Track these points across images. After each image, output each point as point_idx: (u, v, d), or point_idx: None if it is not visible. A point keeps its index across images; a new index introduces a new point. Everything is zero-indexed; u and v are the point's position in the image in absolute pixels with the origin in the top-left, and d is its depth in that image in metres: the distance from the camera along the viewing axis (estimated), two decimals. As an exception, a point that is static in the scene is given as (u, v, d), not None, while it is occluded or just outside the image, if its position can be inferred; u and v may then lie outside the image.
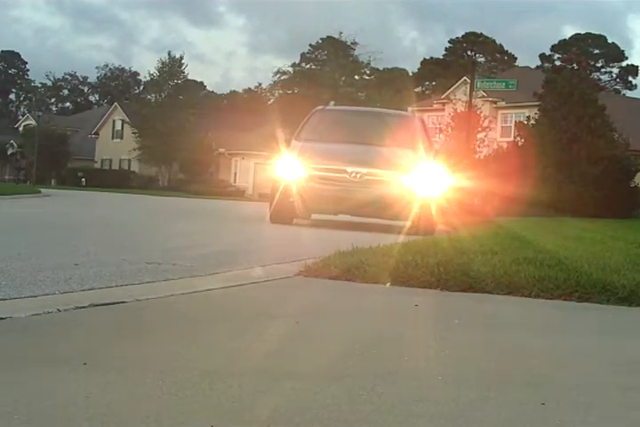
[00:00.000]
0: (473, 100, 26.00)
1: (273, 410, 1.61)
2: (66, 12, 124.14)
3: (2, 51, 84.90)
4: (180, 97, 47.70)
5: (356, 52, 62.87)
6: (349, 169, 9.01)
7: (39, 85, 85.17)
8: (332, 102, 11.70)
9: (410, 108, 11.16)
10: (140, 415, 1.52)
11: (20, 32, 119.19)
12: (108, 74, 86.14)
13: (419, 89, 67.35)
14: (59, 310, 2.56)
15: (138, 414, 1.52)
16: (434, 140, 11.89)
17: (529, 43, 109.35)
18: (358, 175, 8.97)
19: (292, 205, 9.12)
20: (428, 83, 72.95)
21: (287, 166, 9.30)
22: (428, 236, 7.27)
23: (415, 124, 10.44)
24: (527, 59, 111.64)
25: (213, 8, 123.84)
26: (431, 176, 9.13)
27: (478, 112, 30.24)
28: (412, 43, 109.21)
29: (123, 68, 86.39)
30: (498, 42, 73.24)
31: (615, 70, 72.44)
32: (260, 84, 75.55)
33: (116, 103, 57.10)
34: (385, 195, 8.94)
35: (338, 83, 59.08)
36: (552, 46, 69.86)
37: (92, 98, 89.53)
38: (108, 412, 1.53)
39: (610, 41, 70.90)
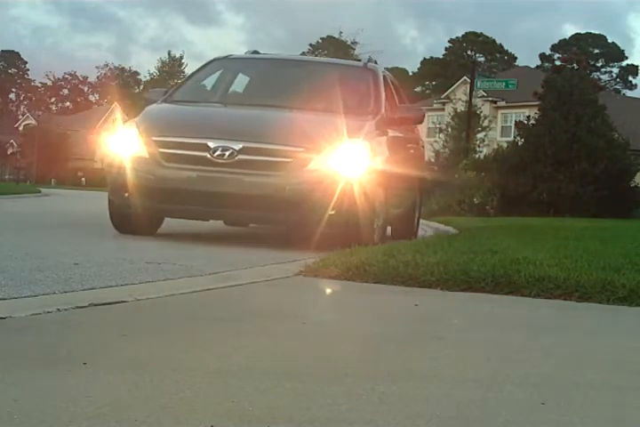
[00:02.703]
0: (473, 100, 26.04)
1: (273, 410, 1.61)
2: (63, 11, 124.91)
3: (2, 50, 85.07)
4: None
5: (356, 52, 62.81)
6: (212, 144, 5.49)
7: (39, 85, 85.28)
8: (249, 50, 7.94)
9: (367, 57, 7.61)
10: (141, 415, 1.52)
11: (20, 31, 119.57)
12: (108, 73, 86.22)
13: (419, 89, 67.41)
14: (59, 309, 2.56)
15: (138, 414, 1.52)
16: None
17: (529, 42, 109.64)
18: (227, 153, 5.44)
19: (130, 202, 5.69)
20: (427, 82, 73.09)
21: (122, 140, 5.87)
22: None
23: (364, 80, 6.90)
24: (527, 58, 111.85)
25: (212, 6, 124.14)
26: (365, 157, 5.65)
27: (478, 112, 30.26)
28: (412, 42, 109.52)
29: (122, 68, 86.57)
30: (498, 42, 73.46)
31: (615, 70, 72.58)
32: (259, 84, 75.40)
33: (115, 103, 57.15)
34: (278, 187, 5.46)
35: (338, 82, 58.95)
36: (552, 46, 70.15)
37: (91, 98, 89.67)
38: (108, 412, 1.53)
39: (610, 40, 71.18)
